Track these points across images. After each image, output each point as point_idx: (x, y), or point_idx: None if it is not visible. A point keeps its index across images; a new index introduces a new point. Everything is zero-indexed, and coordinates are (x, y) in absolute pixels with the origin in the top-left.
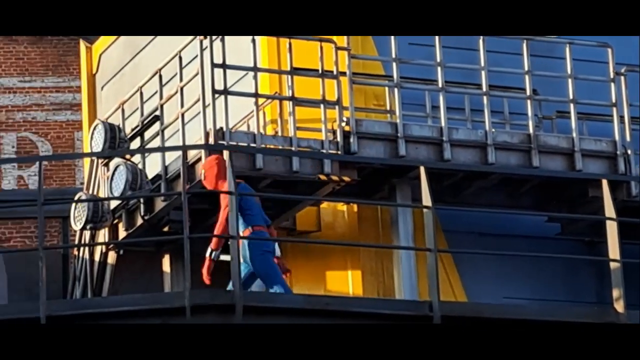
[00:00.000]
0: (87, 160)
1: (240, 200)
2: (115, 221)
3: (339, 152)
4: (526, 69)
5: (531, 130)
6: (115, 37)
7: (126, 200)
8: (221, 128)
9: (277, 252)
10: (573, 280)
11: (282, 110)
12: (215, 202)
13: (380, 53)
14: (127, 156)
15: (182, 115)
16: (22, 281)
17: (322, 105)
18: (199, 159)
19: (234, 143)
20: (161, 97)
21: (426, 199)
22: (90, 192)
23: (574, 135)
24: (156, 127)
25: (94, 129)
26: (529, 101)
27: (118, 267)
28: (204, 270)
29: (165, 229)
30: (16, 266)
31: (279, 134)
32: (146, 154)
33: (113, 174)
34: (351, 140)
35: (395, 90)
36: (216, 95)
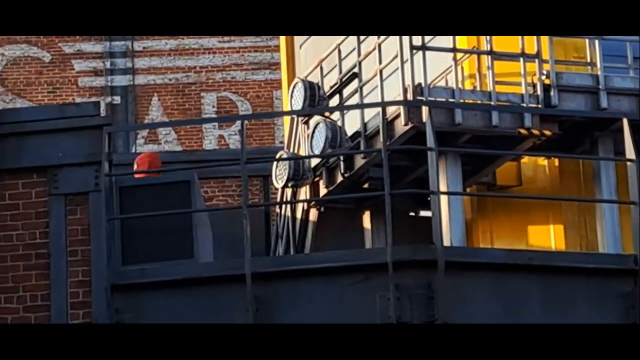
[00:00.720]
0: (286, 119)
1: None
2: (316, 179)
3: (539, 106)
4: None
5: None
6: None
7: (326, 158)
8: (419, 84)
9: None
10: None
11: (480, 64)
12: (416, 158)
13: None
14: (327, 114)
15: (381, 71)
16: (225, 239)
17: (521, 59)
18: (398, 115)
19: (433, 98)
20: (359, 54)
21: (630, 152)
22: (291, 150)
23: None
24: (355, 84)
25: (294, 87)
26: None
27: (319, 224)
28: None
29: (365, 185)
30: (220, 225)
31: (478, 88)
32: (345, 111)
33: (313, 132)
34: (551, 93)
35: (596, 42)
36: (414, 51)
